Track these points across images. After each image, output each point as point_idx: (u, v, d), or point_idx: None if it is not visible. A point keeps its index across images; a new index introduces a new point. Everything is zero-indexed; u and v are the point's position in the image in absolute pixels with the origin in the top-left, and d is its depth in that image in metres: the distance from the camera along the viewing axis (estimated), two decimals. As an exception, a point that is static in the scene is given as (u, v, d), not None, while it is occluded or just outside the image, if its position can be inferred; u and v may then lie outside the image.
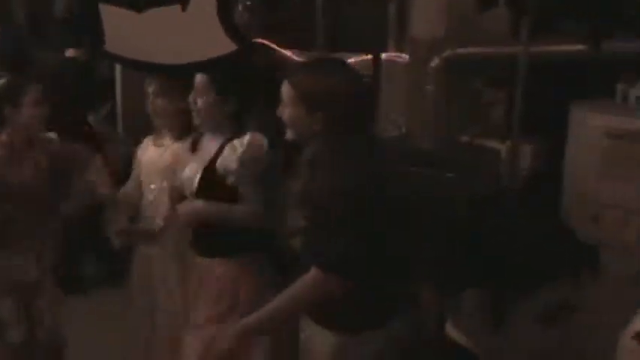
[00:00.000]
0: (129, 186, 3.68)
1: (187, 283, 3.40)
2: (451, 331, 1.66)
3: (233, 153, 3.10)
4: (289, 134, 2.69)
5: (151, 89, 3.48)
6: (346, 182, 2.56)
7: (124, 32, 3.36)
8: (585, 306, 1.72)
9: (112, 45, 3.39)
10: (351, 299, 2.62)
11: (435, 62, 4.39)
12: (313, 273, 2.60)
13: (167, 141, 3.57)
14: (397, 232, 2.81)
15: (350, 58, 4.38)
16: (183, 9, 3.24)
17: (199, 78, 3.16)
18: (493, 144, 4.22)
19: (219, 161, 3.12)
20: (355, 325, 2.71)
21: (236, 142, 3.11)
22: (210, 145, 3.21)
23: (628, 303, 2.38)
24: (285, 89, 2.62)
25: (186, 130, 3.44)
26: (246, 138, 3.10)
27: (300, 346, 2.93)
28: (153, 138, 3.64)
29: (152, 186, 3.56)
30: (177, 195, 3.34)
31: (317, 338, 2.79)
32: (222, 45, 3.21)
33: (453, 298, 1.62)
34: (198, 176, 3.16)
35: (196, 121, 3.22)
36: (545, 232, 1.61)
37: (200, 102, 3.14)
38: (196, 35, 3.24)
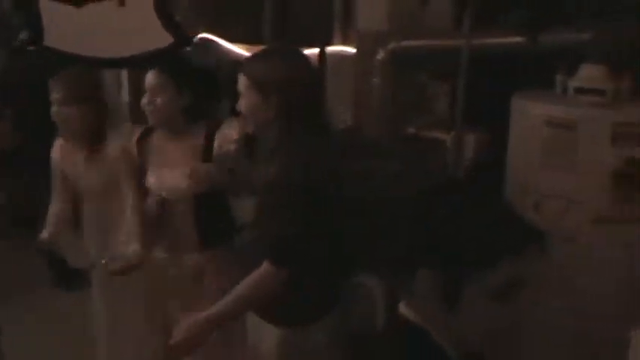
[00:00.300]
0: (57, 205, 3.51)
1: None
2: (404, 309, 1.72)
3: (228, 137, 3.15)
4: (247, 126, 2.73)
5: (56, 96, 3.28)
6: (296, 173, 2.58)
7: (63, 27, 3.36)
8: (532, 283, 1.79)
9: (50, 40, 3.38)
10: (294, 292, 2.63)
11: (380, 55, 4.43)
12: (265, 266, 2.60)
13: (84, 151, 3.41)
14: (345, 223, 2.84)
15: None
16: (122, 3, 3.25)
17: (153, 77, 3.16)
18: (438, 135, 4.27)
19: (216, 150, 3.16)
20: (298, 318, 2.73)
21: (225, 127, 3.16)
22: (172, 145, 3.23)
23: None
24: (241, 80, 2.65)
25: (96, 137, 3.33)
26: (232, 121, 3.14)
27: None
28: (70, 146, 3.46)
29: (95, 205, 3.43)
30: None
31: (262, 332, 2.81)
32: (161, 39, 3.22)
33: (406, 281, 1.68)
34: (187, 175, 3.18)
35: (152, 120, 3.21)
36: (490, 215, 1.67)
37: (159, 100, 3.14)
38: (134, 29, 3.25)
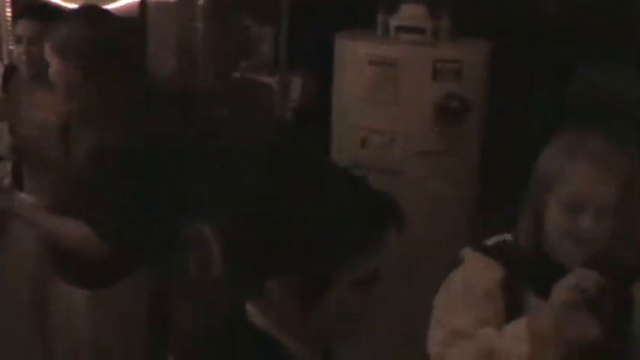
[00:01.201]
0: None
1: None
2: (250, 309, 1.52)
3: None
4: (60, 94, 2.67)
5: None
6: (113, 141, 2.57)
7: None
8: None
9: None
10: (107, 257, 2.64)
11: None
12: (87, 232, 2.59)
13: None
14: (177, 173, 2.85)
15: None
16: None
17: (29, 26, 3.19)
18: (264, 78, 4.30)
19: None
20: (105, 280, 2.74)
21: None
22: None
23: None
24: (46, 48, 2.62)
25: None
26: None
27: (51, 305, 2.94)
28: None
29: None
30: None
31: (69, 295, 2.80)
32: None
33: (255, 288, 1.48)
34: None
35: (28, 70, 3.25)
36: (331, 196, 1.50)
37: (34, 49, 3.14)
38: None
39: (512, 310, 2.06)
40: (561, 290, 1.84)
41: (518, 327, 1.93)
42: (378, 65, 3.79)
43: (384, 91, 3.78)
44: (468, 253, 2.17)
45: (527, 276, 2.07)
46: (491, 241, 2.19)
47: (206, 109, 4.33)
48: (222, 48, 4.46)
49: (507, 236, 2.16)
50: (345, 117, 3.96)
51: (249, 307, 1.51)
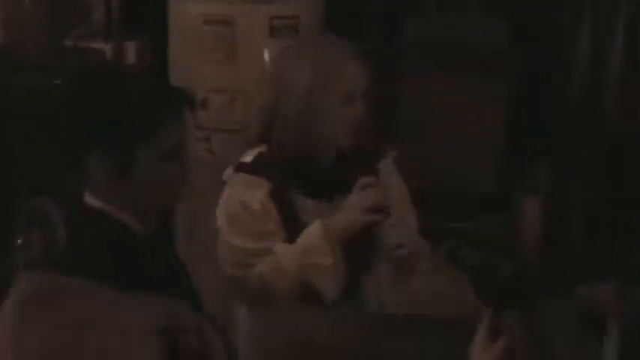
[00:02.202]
0: None
1: None
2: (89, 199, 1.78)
3: None
4: None
5: None
6: None
7: None
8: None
9: None
10: None
11: (27, -34, 4.22)
12: None
13: None
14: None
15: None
16: None
17: None
18: (97, 45, 4.16)
19: None
20: None
21: None
22: None
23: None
24: None
25: None
26: None
27: None
28: None
29: None
30: None
31: None
32: None
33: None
34: None
35: None
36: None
37: None
38: None
39: (288, 217, 2.31)
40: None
41: (311, 237, 2.25)
42: (213, 25, 3.73)
43: (221, 51, 3.73)
44: (231, 176, 2.29)
45: (293, 182, 2.33)
46: (248, 158, 2.38)
47: (39, 80, 4.15)
48: (53, 16, 4.29)
49: (262, 149, 2.40)
50: (183, 80, 3.87)
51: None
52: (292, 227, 2.31)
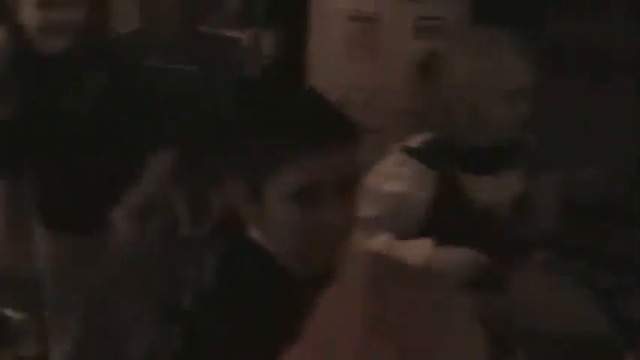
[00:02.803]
0: None
1: None
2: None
3: None
4: None
5: None
6: None
7: None
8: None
9: None
10: None
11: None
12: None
13: None
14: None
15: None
16: None
17: None
18: (234, 33, 4.15)
19: None
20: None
21: None
22: None
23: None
24: None
25: None
26: None
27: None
28: None
29: None
30: None
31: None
32: None
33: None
34: None
35: None
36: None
37: None
38: None
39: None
40: None
41: None
42: (357, 21, 3.67)
43: (364, 48, 3.66)
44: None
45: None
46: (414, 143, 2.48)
47: (173, 66, 4.16)
48: (188, 1, 4.30)
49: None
50: (322, 75, 3.83)
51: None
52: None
